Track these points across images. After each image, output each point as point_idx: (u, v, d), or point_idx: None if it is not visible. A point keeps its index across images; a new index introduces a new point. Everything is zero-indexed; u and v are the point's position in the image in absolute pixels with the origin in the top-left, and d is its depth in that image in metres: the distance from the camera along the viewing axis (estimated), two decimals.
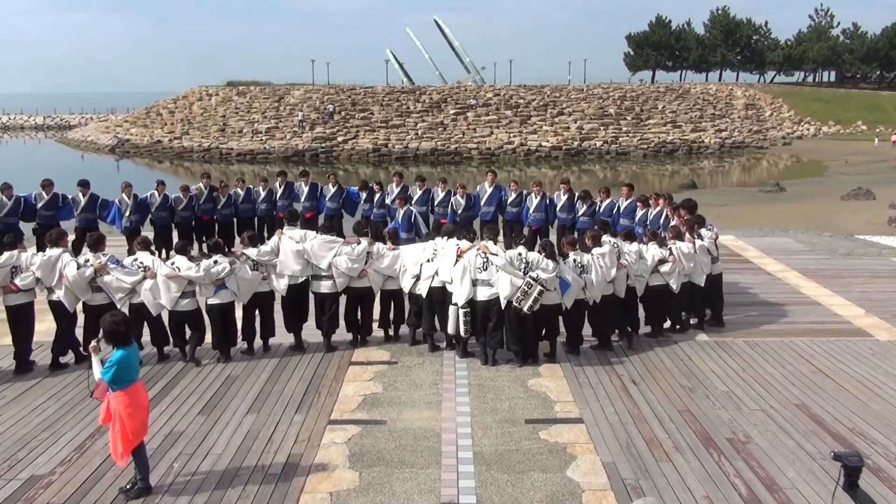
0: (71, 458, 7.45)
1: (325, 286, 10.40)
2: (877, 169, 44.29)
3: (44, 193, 14.92)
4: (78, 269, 9.52)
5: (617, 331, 10.66)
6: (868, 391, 9.04)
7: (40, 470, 7.22)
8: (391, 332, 10.94)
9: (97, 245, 9.88)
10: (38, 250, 11.93)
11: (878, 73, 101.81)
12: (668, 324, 11.23)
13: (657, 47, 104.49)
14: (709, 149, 61.91)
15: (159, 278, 9.71)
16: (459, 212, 15.52)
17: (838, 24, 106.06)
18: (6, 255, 9.65)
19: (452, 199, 15.68)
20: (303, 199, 16.46)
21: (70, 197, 15.18)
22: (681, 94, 73.90)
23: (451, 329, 10.04)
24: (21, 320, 9.75)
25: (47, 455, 7.50)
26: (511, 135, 61.03)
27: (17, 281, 9.54)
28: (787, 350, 10.45)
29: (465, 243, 10.24)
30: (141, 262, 9.88)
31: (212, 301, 9.96)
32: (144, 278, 9.70)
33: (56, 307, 9.78)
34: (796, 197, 32.35)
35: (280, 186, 16.61)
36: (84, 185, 15.33)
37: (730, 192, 37.30)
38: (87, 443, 7.76)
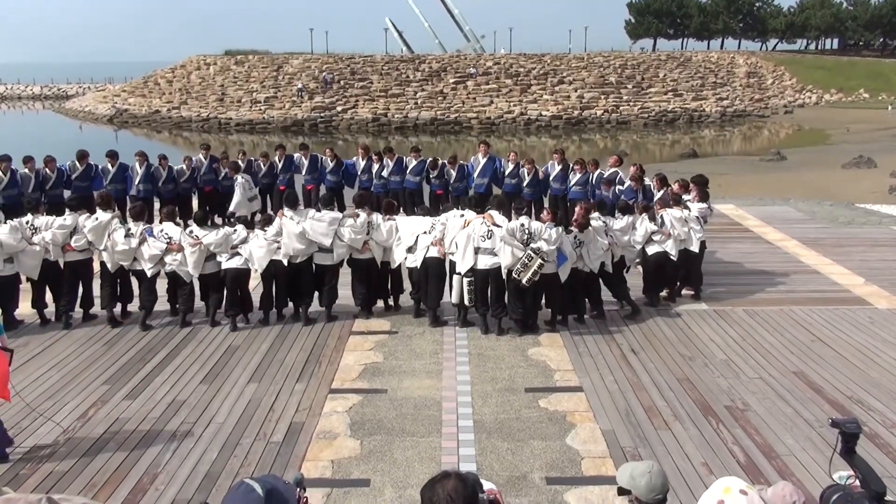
0: (73, 427, 7.51)
1: (325, 258, 10.45)
2: (879, 137, 44.07)
3: (78, 164, 15.18)
4: (126, 236, 10.20)
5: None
6: (866, 359, 9.09)
7: (43, 439, 7.28)
8: (391, 302, 10.98)
9: (140, 215, 10.61)
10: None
11: (882, 40, 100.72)
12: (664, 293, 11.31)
13: (658, 15, 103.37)
14: (710, 117, 61.45)
15: (187, 250, 10.17)
16: (452, 181, 15.58)
17: None
18: (70, 217, 10.48)
19: (446, 170, 15.73)
20: (304, 172, 16.51)
21: (100, 167, 15.44)
22: (682, 62, 73.21)
23: (454, 298, 10.08)
24: (81, 274, 10.55)
25: (50, 424, 7.54)
26: (511, 104, 60.54)
27: (73, 242, 10.38)
28: (786, 318, 10.48)
29: (470, 214, 10.27)
30: (166, 234, 10.34)
31: (226, 265, 10.22)
32: (168, 250, 10.21)
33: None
34: (797, 165, 32.21)
35: (280, 160, 16.63)
36: (113, 155, 15.63)
37: (731, 160, 37.14)
38: (89, 412, 7.83)
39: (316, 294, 10.65)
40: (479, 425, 7.47)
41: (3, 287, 10.17)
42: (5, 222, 10.58)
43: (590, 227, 10.16)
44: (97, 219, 10.36)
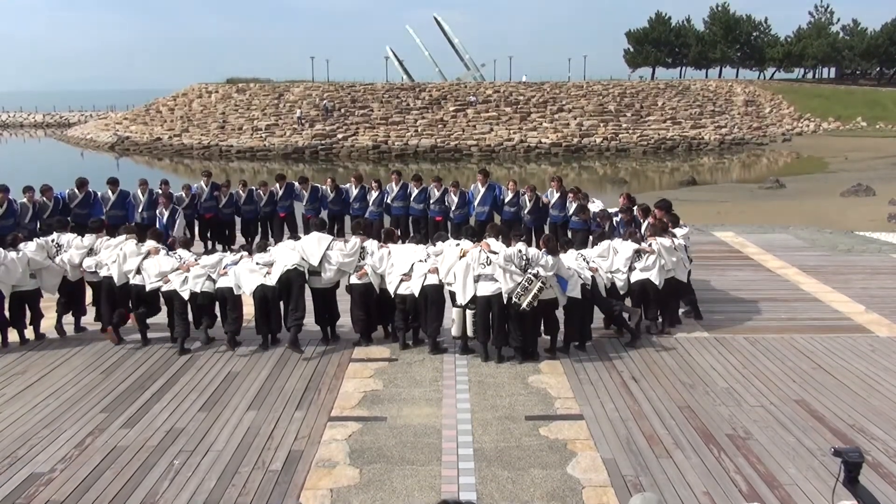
0: (71, 455, 7.45)
1: (316, 281, 10.53)
2: (877, 165, 44.28)
3: (78, 192, 15.30)
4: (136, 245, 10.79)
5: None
6: (868, 387, 9.04)
7: (40, 468, 7.22)
8: (391, 329, 10.95)
9: (159, 239, 11.31)
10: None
11: (878, 69, 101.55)
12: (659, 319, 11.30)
13: (657, 44, 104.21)
14: (709, 145, 61.81)
15: (194, 270, 10.47)
16: (453, 209, 15.70)
17: (838, 20, 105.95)
18: (88, 238, 11.09)
19: (447, 196, 15.84)
20: (304, 203, 16.60)
21: (100, 194, 15.56)
22: (681, 90, 73.74)
23: (455, 331, 10.05)
24: (107, 292, 10.90)
25: (47, 453, 7.50)
26: (511, 131, 60.91)
27: (84, 264, 10.90)
28: (788, 346, 10.45)
29: (467, 244, 10.28)
30: (179, 255, 10.84)
31: (218, 285, 10.47)
32: (178, 269, 10.53)
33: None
34: (796, 193, 32.34)
35: (280, 189, 16.75)
36: (113, 182, 15.77)
37: (730, 188, 37.31)
38: (87, 440, 7.77)
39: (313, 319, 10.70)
40: (480, 454, 7.42)
41: (28, 300, 10.65)
42: (32, 240, 11.08)
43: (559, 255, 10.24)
44: (114, 241, 10.93)
